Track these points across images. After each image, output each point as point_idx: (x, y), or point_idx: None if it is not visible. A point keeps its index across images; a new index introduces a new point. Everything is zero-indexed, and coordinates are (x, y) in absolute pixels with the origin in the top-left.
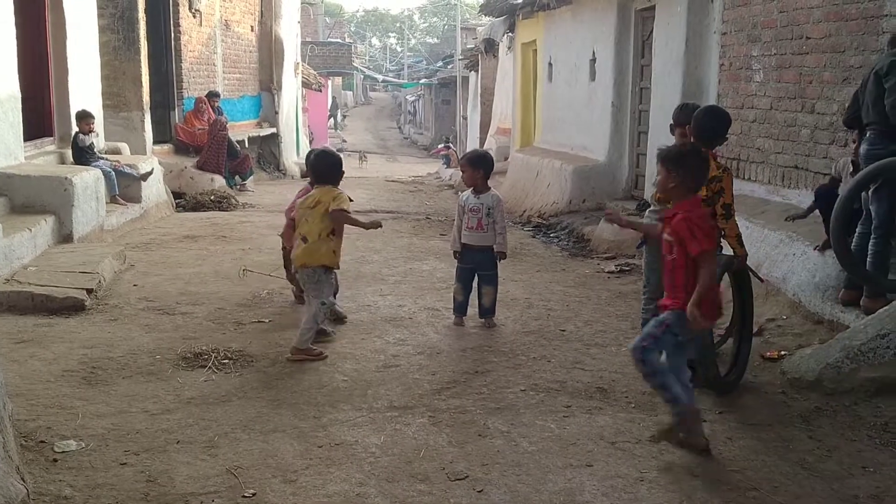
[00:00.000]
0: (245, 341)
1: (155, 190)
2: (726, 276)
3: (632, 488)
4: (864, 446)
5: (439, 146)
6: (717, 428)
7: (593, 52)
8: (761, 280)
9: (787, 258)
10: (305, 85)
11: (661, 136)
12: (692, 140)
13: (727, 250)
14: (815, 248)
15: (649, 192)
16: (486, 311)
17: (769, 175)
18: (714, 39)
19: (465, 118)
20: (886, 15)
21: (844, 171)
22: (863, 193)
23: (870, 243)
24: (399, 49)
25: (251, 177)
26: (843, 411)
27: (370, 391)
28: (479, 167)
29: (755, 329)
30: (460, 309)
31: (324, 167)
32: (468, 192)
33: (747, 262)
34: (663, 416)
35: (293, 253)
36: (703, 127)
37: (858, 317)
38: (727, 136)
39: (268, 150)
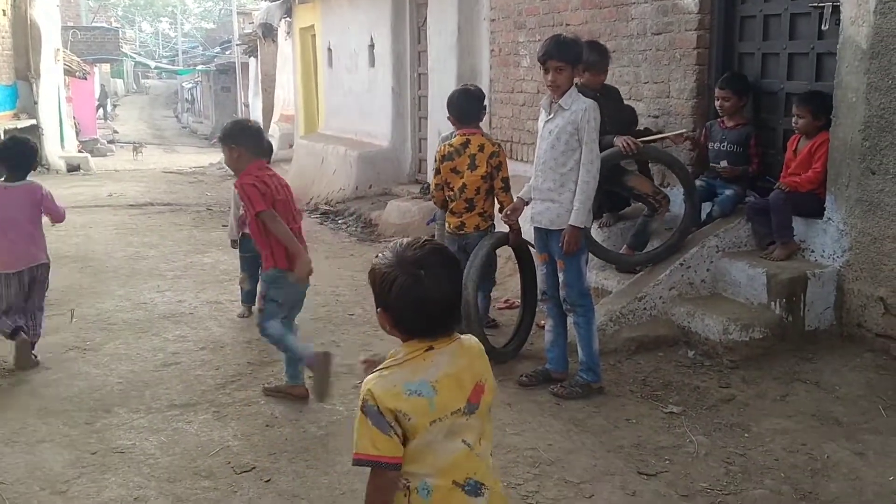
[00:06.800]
0: (4, 349)
1: None
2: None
3: None
4: (627, 400)
5: None
6: (499, 395)
7: (371, 39)
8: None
9: None
10: (68, 72)
11: (440, 121)
12: (452, 120)
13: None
14: None
15: (431, 175)
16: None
17: None
18: (484, 26)
19: (246, 105)
20: (634, 2)
21: None
22: None
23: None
24: (173, 34)
25: None
26: (608, 370)
27: (148, 392)
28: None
29: None
30: (248, 298)
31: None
32: None
33: (523, 237)
34: None
35: None
36: (457, 107)
37: (620, 283)
38: (482, 113)
39: None
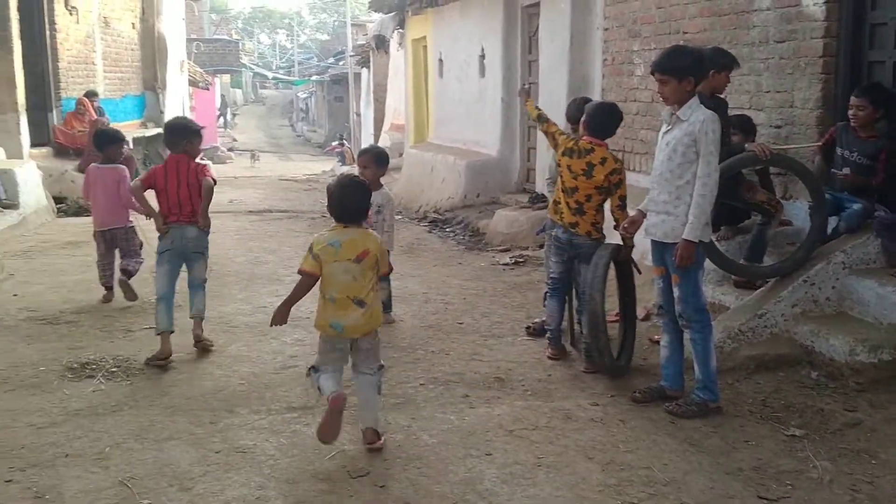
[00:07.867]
0: (135, 349)
1: (34, 195)
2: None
3: (530, 474)
4: (745, 421)
5: (334, 143)
6: (611, 410)
7: (482, 49)
8: (639, 272)
9: None
10: (192, 83)
11: None
12: (585, 133)
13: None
14: None
15: (540, 185)
16: (383, 308)
17: (652, 166)
18: (597, 35)
19: (358, 115)
20: (756, 9)
21: None
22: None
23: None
24: (289, 46)
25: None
26: (726, 389)
27: (268, 393)
28: (383, 164)
29: (643, 314)
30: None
31: (354, 201)
32: None
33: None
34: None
35: (347, 321)
36: (597, 119)
37: (738, 298)
38: (614, 132)
39: (154, 150)
